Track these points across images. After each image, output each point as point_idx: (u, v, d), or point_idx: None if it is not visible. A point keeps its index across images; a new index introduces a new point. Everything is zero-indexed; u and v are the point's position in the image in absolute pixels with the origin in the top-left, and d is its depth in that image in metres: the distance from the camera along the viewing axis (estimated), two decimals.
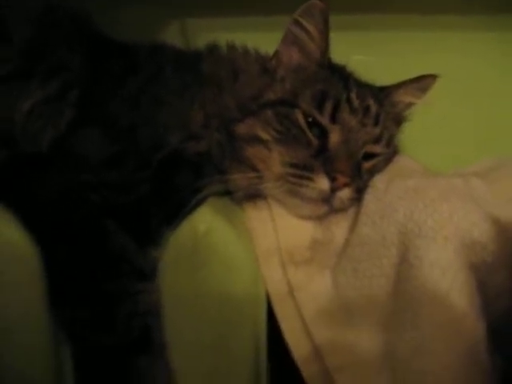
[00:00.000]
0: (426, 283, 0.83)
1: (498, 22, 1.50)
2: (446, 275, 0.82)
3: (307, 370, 0.92)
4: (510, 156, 1.15)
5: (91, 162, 0.97)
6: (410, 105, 1.19)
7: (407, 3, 1.47)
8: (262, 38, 1.12)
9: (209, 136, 1.02)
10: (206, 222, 0.92)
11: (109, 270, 0.93)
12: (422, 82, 1.17)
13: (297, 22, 1.06)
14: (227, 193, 1.02)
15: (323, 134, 1.01)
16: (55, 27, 1.09)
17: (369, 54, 1.49)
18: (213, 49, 1.17)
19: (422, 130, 1.28)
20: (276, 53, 1.11)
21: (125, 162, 0.98)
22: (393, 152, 1.11)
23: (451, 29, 1.51)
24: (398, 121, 1.18)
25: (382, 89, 1.16)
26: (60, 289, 0.93)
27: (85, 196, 0.95)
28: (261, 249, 0.98)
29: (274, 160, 1.00)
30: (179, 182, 0.99)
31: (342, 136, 1.01)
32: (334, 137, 1.01)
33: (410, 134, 1.20)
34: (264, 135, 1.01)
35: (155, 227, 0.97)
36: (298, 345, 0.93)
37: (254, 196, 1.03)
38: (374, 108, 1.07)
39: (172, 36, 1.49)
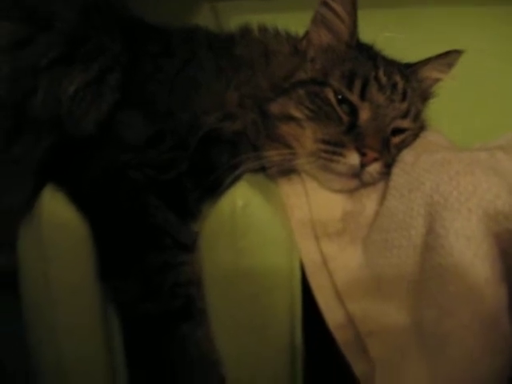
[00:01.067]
0: (452, 251, 0.86)
1: None
2: (471, 244, 0.86)
3: (341, 336, 0.97)
4: None
5: (132, 143, 1.01)
6: (436, 80, 1.22)
7: None
8: (292, 19, 1.15)
9: (244, 115, 1.05)
10: (243, 196, 0.97)
11: (152, 242, 0.98)
12: (448, 58, 1.20)
13: (325, 4, 1.09)
14: (262, 169, 1.06)
15: (353, 111, 1.05)
16: (95, 13, 1.12)
17: (396, 31, 1.49)
18: (245, 31, 1.20)
19: (448, 104, 1.29)
20: (306, 34, 1.14)
21: (164, 141, 1.02)
22: (420, 127, 1.14)
23: (478, 3, 1.54)
24: (425, 96, 1.20)
25: (409, 66, 1.19)
26: (109, 262, 0.99)
27: (127, 174, 0.99)
28: (295, 221, 1.02)
29: (306, 137, 1.04)
30: (216, 159, 1.03)
31: (371, 113, 1.05)
32: (364, 114, 1.05)
33: (436, 109, 1.23)
34: (297, 113, 1.04)
35: (195, 202, 1.02)
36: (331, 312, 0.98)
37: (288, 171, 1.07)
38: (401, 84, 1.10)
39: (203, 19, 1.54)
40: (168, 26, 1.19)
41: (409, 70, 1.17)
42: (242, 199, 0.96)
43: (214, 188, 1.00)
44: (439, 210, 0.90)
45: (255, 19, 1.22)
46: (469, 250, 0.86)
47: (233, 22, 1.26)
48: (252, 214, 0.96)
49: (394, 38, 1.41)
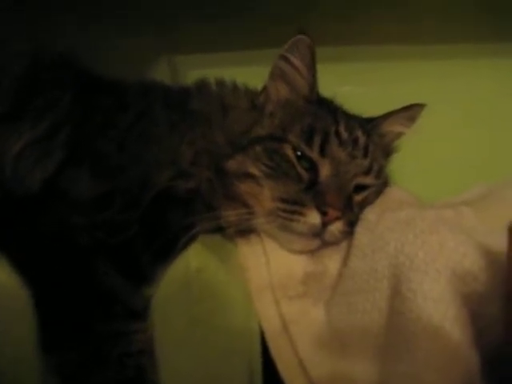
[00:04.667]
0: (420, 316, 0.82)
1: (487, 50, 1.51)
2: (439, 307, 0.81)
3: None
4: (500, 181, 1.15)
5: (80, 203, 0.96)
6: (398, 135, 1.20)
7: (393, 33, 1.48)
8: (252, 73, 1.11)
9: (198, 173, 1.02)
10: (198, 258, 0.91)
11: (101, 311, 0.92)
12: (410, 111, 1.18)
13: (284, 58, 1.07)
14: (219, 229, 1.02)
15: (313, 167, 1.01)
16: (45, 68, 1.09)
17: (357, 85, 1.51)
18: (201, 85, 1.17)
19: (412, 159, 1.29)
20: (264, 88, 1.12)
21: (114, 201, 0.97)
22: (383, 183, 1.11)
23: (438, 57, 1.52)
24: (388, 151, 1.18)
25: (370, 120, 1.17)
26: (51, 332, 0.91)
27: (74, 237, 0.94)
28: (254, 284, 0.98)
29: (265, 195, 1.00)
30: (169, 220, 0.98)
31: (332, 169, 1.02)
32: (324, 170, 1.01)
33: (400, 164, 1.20)
34: (254, 171, 1.01)
35: (147, 266, 0.96)
36: (293, 380, 0.92)
37: (247, 231, 1.03)
38: (362, 139, 1.07)
39: (161, 72, 1.50)
40: (123, 79, 1.17)
41: (370, 125, 1.15)
42: (197, 262, 0.90)
43: (168, 250, 0.94)
44: (405, 271, 0.86)
45: (214, 73, 1.20)
46: (438, 314, 0.81)
47: (191, 76, 1.25)
48: (207, 278, 0.90)
49: (354, 91, 1.44)
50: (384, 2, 1.41)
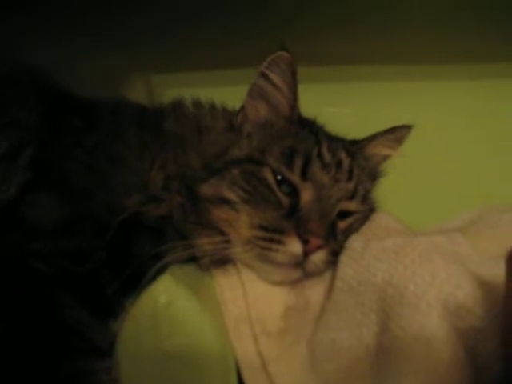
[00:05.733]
0: (411, 357, 0.76)
1: (472, 71, 1.49)
2: (432, 346, 0.75)
3: None
4: (490, 207, 1.11)
5: (41, 228, 0.91)
6: (384, 157, 1.16)
7: (378, 53, 1.45)
8: (232, 93, 1.06)
9: (170, 198, 0.97)
10: (166, 292, 0.87)
11: (61, 348, 0.85)
12: (396, 133, 1.14)
13: (263, 75, 1.03)
14: (192, 259, 0.95)
15: (294, 192, 0.96)
16: (9, 85, 1.05)
17: (341, 106, 1.47)
18: (177, 105, 1.12)
19: (397, 183, 1.23)
20: (242, 108, 1.07)
21: (79, 228, 0.91)
22: (369, 209, 1.06)
23: (425, 78, 1.49)
24: (373, 175, 1.14)
25: (355, 142, 1.13)
26: (5, 372, 0.83)
27: (35, 266, 0.88)
28: (230, 319, 0.92)
29: (241, 222, 0.94)
30: (137, 248, 0.92)
31: (314, 194, 0.97)
32: (306, 195, 0.96)
33: (386, 189, 1.16)
34: (230, 195, 0.95)
35: (112, 298, 0.91)
36: None
37: (222, 261, 0.97)
38: (346, 162, 1.03)
39: (137, 92, 1.46)
40: (95, 98, 1.12)
41: (355, 147, 1.10)
42: (166, 296, 0.86)
43: (135, 281, 0.89)
44: (394, 305, 0.81)
45: (191, 92, 1.15)
46: (431, 354, 0.75)
47: (168, 96, 1.19)
48: (177, 314, 0.86)
49: (338, 113, 1.41)
50: (369, 20, 1.38)
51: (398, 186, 1.23)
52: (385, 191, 1.16)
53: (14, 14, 1.29)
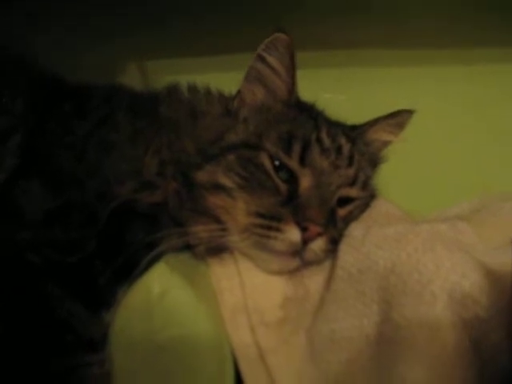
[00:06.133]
0: (415, 345, 0.74)
1: (471, 56, 1.47)
2: (437, 335, 0.73)
3: None
4: (492, 195, 1.09)
5: (32, 218, 0.88)
6: (385, 143, 1.13)
7: (377, 37, 1.42)
8: (228, 78, 1.04)
9: (164, 185, 0.94)
10: (161, 282, 0.84)
11: (52, 342, 0.84)
12: (398, 118, 1.11)
13: (260, 58, 1.00)
14: (187, 247, 0.93)
15: (292, 178, 0.94)
16: None
17: (339, 92, 1.45)
18: (172, 91, 1.09)
19: (398, 169, 1.22)
20: (238, 92, 1.04)
21: (69, 216, 0.89)
22: (370, 196, 1.04)
23: (426, 62, 1.47)
24: (374, 161, 1.11)
25: (355, 127, 1.10)
26: None
27: (23, 257, 0.85)
28: (227, 308, 0.90)
29: (238, 209, 0.91)
30: (130, 237, 0.89)
31: (313, 180, 0.94)
32: (305, 181, 0.93)
33: (386, 175, 1.14)
34: (227, 182, 0.93)
35: (104, 288, 0.88)
36: None
37: (219, 250, 0.94)
38: (346, 148, 1.00)
39: (131, 79, 1.44)
40: (89, 84, 1.10)
41: (355, 132, 1.08)
42: (159, 285, 0.83)
43: (128, 271, 0.86)
44: (396, 295, 0.79)
45: (187, 79, 1.13)
46: (435, 343, 0.73)
47: (163, 82, 1.16)
48: (171, 304, 0.83)
49: (334, 99, 1.36)
50: (367, 4, 1.35)
51: (397, 172, 1.20)
52: (384, 177, 1.13)
53: (13, 1, 1.27)
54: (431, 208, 1.12)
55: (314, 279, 0.92)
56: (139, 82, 1.46)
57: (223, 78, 1.08)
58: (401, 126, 1.11)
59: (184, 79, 1.13)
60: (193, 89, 1.10)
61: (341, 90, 1.46)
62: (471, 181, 1.38)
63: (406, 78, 1.48)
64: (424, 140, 1.33)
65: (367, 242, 0.87)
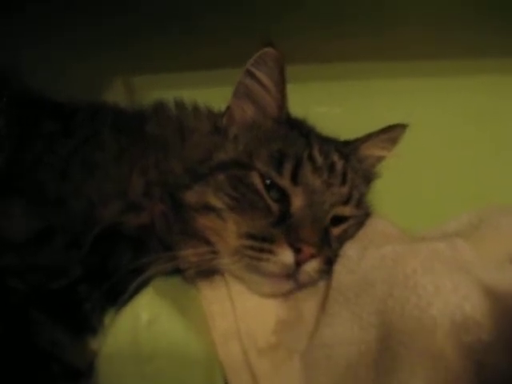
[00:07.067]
0: (416, 374, 0.70)
1: (468, 67, 1.46)
2: (438, 364, 0.70)
3: None
4: (491, 208, 1.05)
5: (12, 241, 0.84)
6: (379, 158, 1.11)
7: (368, 49, 1.41)
8: (216, 94, 1.01)
9: (151, 206, 0.91)
10: (149, 308, 0.82)
11: (37, 372, 0.80)
12: (391, 133, 1.09)
13: (249, 73, 0.98)
14: (176, 270, 0.90)
15: (284, 198, 0.91)
16: None
17: (331, 106, 1.43)
18: (159, 107, 1.06)
19: (397, 183, 1.21)
20: (228, 109, 1.01)
21: (53, 240, 0.85)
22: (364, 214, 1.01)
23: (420, 74, 1.46)
24: (368, 177, 1.09)
25: (348, 143, 1.08)
26: None
27: (5, 282, 0.82)
28: (218, 334, 0.87)
29: (228, 231, 0.89)
30: (117, 261, 0.86)
31: (306, 199, 0.91)
32: (297, 201, 0.91)
33: (383, 189, 1.11)
34: (216, 203, 0.90)
35: (90, 315, 0.86)
36: None
37: (209, 272, 0.91)
38: (339, 165, 0.98)
39: (117, 94, 1.43)
40: (72, 101, 1.06)
41: (348, 148, 1.05)
42: (148, 313, 0.81)
43: (115, 297, 0.83)
44: (395, 320, 0.76)
45: (174, 94, 1.09)
46: (437, 373, 0.70)
47: (149, 98, 1.13)
48: (160, 332, 0.81)
49: (327, 113, 1.38)
50: (359, 15, 1.35)
51: (391, 187, 1.17)
52: (378, 192, 1.11)
53: None
54: (429, 222, 1.09)
55: (308, 301, 0.90)
56: (125, 97, 1.45)
57: (211, 92, 1.07)
58: (394, 141, 1.09)
59: (171, 94, 1.10)
60: (180, 105, 1.07)
61: (334, 103, 1.45)
62: (470, 193, 1.37)
63: (403, 89, 1.47)
64: (421, 153, 1.33)
65: (363, 263, 0.85)
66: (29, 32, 1.32)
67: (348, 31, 1.35)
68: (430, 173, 1.41)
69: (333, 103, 1.44)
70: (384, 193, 1.09)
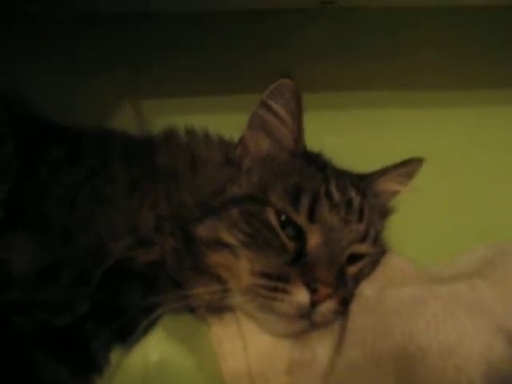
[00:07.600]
0: None
1: (477, 97, 1.44)
2: None
3: None
4: (504, 243, 1.02)
5: (16, 277, 0.82)
6: (394, 193, 1.07)
7: (377, 79, 1.40)
8: (227, 121, 0.99)
9: (162, 242, 0.88)
10: (159, 349, 0.81)
11: None
12: (408, 167, 1.06)
13: (265, 105, 0.95)
14: (186, 308, 0.87)
15: (300, 235, 0.88)
16: None
17: (342, 137, 1.40)
18: (169, 135, 1.04)
19: (409, 217, 1.14)
20: (241, 140, 0.98)
21: (59, 276, 0.82)
22: (381, 251, 0.98)
23: (431, 105, 1.44)
24: (384, 213, 1.05)
25: (363, 177, 1.05)
26: None
27: (8, 320, 0.79)
28: (229, 374, 0.85)
29: (241, 269, 0.85)
30: (126, 299, 0.84)
31: (323, 237, 0.88)
32: (313, 239, 0.87)
33: (396, 223, 1.08)
34: (229, 238, 0.86)
35: (97, 355, 0.83)
36: None
37: (220, 309, 0.88)
38: (356, 201, 0.94)
39: (125, 119, 1.39)
40: (78, 127, 1.03)
41: (364, 182, 1.02)
42: (157, 353, 0.80)
43: (124, 336, 0.81)
44: (416, 366, 0.73)
45: (184, 120, 1.07)
46: None
47: (158, 123, 1.12)
48: (170, 372, 0.80)
49: (341, 144, 1.33)
50: (369, 44, 1.36)
51: (406, 219, 1.13)
52: (393, 225, 1.07)
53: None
54: (442, 255, 1.07)
55: (322, 341, 0.86)
56: (134, 121, 1.42)
57: (222, 119, 1.07)
58: (410, 176, 1.06)
59: (180, 119, 1.08)
60: (191, 132, 1.05)
61: (347, 133, 1.43)
62: (484, 226, 1.34)
63: (414, 119, 1.44)
64: (429, 184, 1.28)
65: (382, 304, 0.82)
66: (37, 55, 1.33)
67: (356, 60, 1.36)
68: (438, 204, 1.37)
69: (341, 132, 1.41)
70: (398, 225, 1.06)
